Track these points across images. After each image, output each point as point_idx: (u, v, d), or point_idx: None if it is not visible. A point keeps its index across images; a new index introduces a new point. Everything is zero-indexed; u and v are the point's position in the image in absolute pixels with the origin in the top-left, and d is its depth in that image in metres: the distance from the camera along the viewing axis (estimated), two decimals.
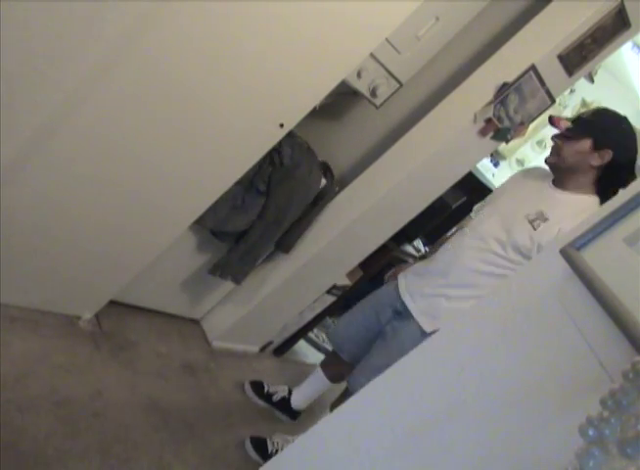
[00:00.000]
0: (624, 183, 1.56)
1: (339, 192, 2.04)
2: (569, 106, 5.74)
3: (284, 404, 2.11)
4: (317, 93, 1.46)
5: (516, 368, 0.64)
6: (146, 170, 1.39)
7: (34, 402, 1.38)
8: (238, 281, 1.98)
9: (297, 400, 2.10)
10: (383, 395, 0.79)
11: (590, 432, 0.42)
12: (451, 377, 0.71)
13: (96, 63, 1.10)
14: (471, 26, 1.86)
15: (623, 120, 1.60)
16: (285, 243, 2.02)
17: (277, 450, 1.84)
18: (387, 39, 1.62)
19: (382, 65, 1.75)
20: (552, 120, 1.62)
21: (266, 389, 2.13)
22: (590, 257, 0.62)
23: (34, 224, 1.36)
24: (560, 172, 1.60)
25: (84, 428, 1.44)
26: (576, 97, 5.69)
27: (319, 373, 2.02)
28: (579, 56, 1.85)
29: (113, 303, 1.77)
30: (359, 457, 0.74)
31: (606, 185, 1.56)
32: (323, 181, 1.98)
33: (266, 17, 1.20)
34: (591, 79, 5.10)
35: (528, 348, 0.65)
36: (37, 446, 1.30)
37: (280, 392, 2.13)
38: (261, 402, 2.12)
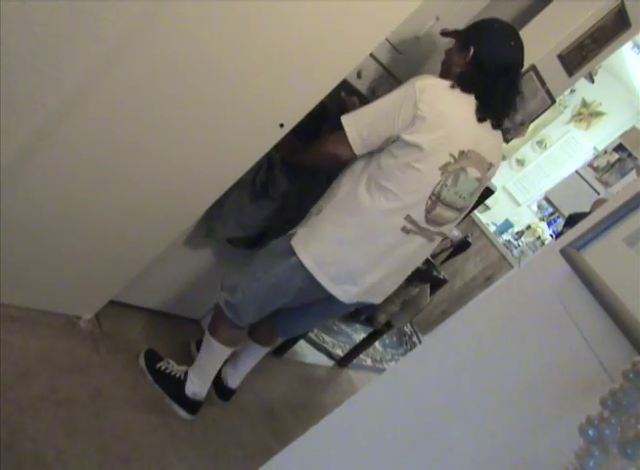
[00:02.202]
0: (500, 89, 1.51)
1: None
2: (569, 106, 5.76)
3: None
4: (317, 93, 1.46)
5: (516, 368, 0.64)
6: (145, 171, 1.39)
7: (34, 402, 1.38)
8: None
9: (227, 373, 1.90)
10: (383, 395, 0.79)
11: (590, 432, 0.42)
12: (451, 377, 0.71)
13: (96, 63, 1.10)
14: None
15: (495, 21, 1.55)
16: None
17: (165, 369, 1.75)
18: (387, 39, 1.62)
19: (382, 65, 1.75)
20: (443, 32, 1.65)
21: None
22: (590, 257, 0.62)
23: (34, 224, 1.36)
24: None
25: (84, 428, 1.44)
26: (576, 97, 5.70)
27: (251, 346, 1.87)
28: (579, 56, 1.86)
29: (113, 303, 1.77)
30: (359, 457, 0.74)
31: (474, 85, 1.49)
32: None
33: (266, 17, 1.20)
34: (591, 79, 5.11)
35: (528, 347, 0.65)
36: (37, 445, 1.30)
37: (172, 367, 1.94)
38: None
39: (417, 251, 1.57)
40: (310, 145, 1.66)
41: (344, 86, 1.64)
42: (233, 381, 1.90)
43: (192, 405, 1.74)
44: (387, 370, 1.00)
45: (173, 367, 1.77)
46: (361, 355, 3.02)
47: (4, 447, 1.23)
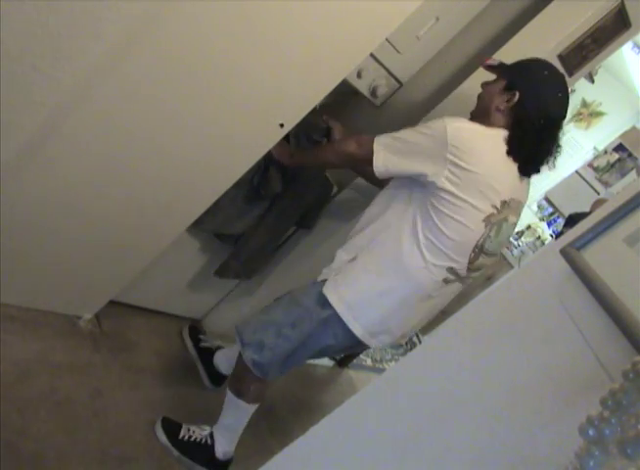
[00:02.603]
0: (537, 145, 1.42)
1: (338, 193, 2.04)
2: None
3: (208, 357, 1.93)
4: (317, 93, 1.46)
5: (515, 368, 0.64)
6: (145, 171, 1.39)
7: (34, 402, 1.38)
8: (250, 277, 1.99)
9: (220, 359, 1.91)
10: (383, 395, 0.79)
11: (590, 432, 0.42)
12: (451, 377, 0.71)
13: (96, 62, 1.10)
14: (471, 26, 1.86)
15: (546, 67, 1.46)
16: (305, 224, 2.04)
17: (189, 438, 1.64)
18: (387, 39, 1.62)
19: (382, 65, 1.75)
20: (483, 62, 1.55)
21: (202, 337, 2.02)
22: (590, 257, 0.62)
23: (34, 224, 1.36)
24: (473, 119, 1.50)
25: (84, 428, 1.44)
26: (576, 97, 5.70)
27: None
28: (579, 56, 1.86)
29: (113, 303, 1.77)
30: (359, 457, 0.74)
31: (514, 139, 1.41)
32: (335, 188, 2.00)
33: (266, 17, 1.20)
34: (591, 79, 5.10)
35: (528, 347, 0.65)
36: (37, 446, 1.30)
37: (210, 341, 2.00)
38: (190, 345, 1.98)
39: (450, 295, 1.54)
40: (325, 145, 1.64)
41: (342, 90, 1.64)
42: (225, 369, 1.89)
43: (224, 466, 1.69)
44: (387, 370, 1.00)
45: (195, 433, 1.66)
46: (361, 355, 3.02)
47: (4, 447, 1.23)
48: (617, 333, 0.51)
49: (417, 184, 1.43)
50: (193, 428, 1.67)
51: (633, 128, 5.19)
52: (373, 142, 1.44)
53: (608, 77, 5.37)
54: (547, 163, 1.49)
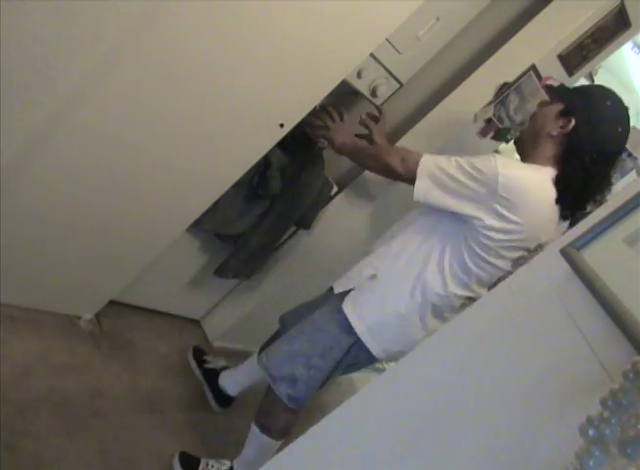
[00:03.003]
0: (586, 181, 1.33)
1: (338, 193, 2.04)
2: None
3: (213, 379, 1.89)
4: (317, 93, 1.46)
5: (516, 368, 0.64)
6: (146, 171, 1.39)
7: (34, 402, 1.38)
8: (249, 276, 2.00)
9: (226, 380, 1.87)
10: (383, 395, 0.79)
11: (590, 432, 0.42)
12: (451, 377, 0.71)
13: (96, 63, 1.10)
14: (471, 26, 1.86)
15: (609, 97, 1.37)
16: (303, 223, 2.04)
17: None
18: (387, 39, 1.62)
19: (382, 65, 1.75)
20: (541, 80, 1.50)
21: (207, 358, 1.98)
22: (590, 257, 0.62)
23: (34, 224, 1.36)
24: (521, 145, 1.45)
25: (84, 428, 1.44)
26: None
27: (255, 359, 1.73)
28: (579, 56, 1.86)
29: (113, 303, 1.77)
30: (359, 457, 0.74)
31: (561, 177, 1.32)
32: (335, 188, 2.00)
33: (266, 17, 1.20)
34: (591, 79, 5.09)
35: (528, 348, 0.64)
36: (37, 446, 1.30)
37: (215, 362, 1.95)
38: (195, 366, 1.94)
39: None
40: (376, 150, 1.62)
41: (343, 91, 1.64)
42: (232, 390, 1.87)
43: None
44: (387, 370, 1.00)
45: (214, 468, 1.63)
46: None
47: (4, 447, 1.23)
48: (617, 333, 0.51)
49: (452, 214, 1.39)
50: (212, 462, 1.63)
51: (633, 128, 5.18)
52: (418, 165, 1.38)
53: (608, 77, 5.36)
54: (594, 201, 1.40)
